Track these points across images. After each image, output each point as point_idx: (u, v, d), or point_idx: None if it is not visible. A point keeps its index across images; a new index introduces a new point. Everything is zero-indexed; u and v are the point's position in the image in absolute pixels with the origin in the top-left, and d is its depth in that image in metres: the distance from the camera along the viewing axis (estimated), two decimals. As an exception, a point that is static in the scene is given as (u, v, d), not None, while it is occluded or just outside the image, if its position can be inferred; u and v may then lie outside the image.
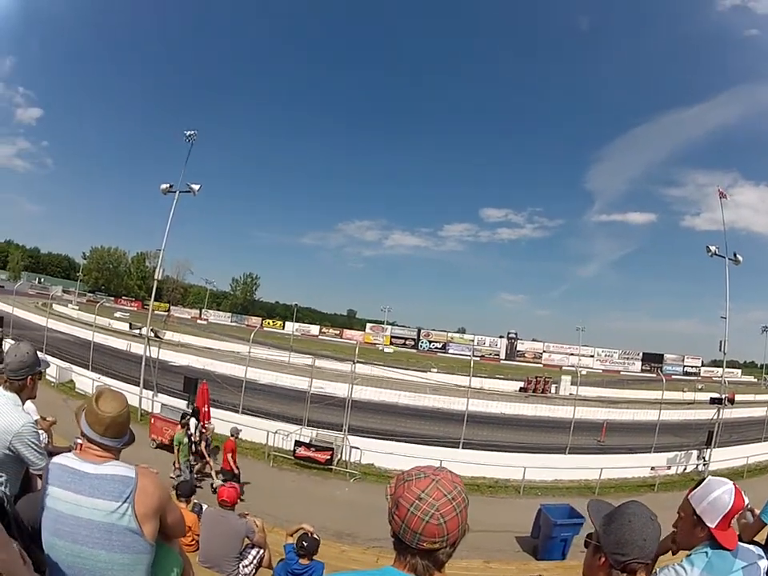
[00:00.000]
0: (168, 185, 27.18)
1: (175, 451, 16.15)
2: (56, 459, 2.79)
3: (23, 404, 3.90)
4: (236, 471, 16.26)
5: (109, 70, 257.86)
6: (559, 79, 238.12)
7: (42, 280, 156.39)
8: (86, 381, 27.58)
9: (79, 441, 4.02)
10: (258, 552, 7.43)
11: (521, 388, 54.86)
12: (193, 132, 28.18)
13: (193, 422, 17.42)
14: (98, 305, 39.25)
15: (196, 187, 26.89)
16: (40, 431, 3.96)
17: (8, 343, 23.41)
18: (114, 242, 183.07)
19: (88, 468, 2.65)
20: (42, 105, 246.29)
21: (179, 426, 17.07)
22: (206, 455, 17.40)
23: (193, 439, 16.73)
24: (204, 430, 18.01)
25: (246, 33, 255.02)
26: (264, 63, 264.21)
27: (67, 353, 33.13)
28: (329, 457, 19.62)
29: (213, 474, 17.00)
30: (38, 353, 4.13)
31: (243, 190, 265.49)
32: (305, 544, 7.11)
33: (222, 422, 20.97)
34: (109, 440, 2.76)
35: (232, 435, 16.95)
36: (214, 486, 15.78)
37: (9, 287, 69.96)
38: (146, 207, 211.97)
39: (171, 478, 15.88)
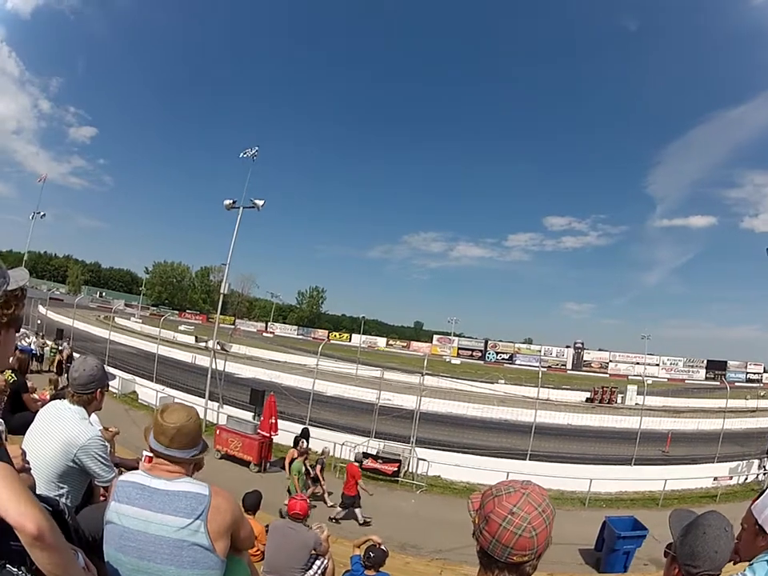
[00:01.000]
0: (231, 201, 28.16)
1: (293, 481, 15.74)
2: (124, 477, 2.86)
3: (89, 417, 4.03)
4: (360, 495, 16.23)
5: (166, 87, 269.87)
6: (614, 84, 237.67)
7: (104, 294, 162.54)
8: (150, 392, 28.50)
9: (147, 453, 4.14)
10: (322, 562, 7.50)
11: (587, 398, 55.03)
12: (254, 149, 29.30)
13: (304, 444, 17.43)
14: (163, 318, 40.60)
15: (260, 203, 27.62)
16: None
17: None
18: (176, 257, 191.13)
19: (159, 484, 2.70)
20: (95, 124, 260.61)
21: (294, 452, 16.68)
22: (322, 478, 17.39)
23: (308, 464, 16.73)
24: (322, 454, 18.19)
25: (306, 51, 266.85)
26: (326, 80, 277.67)
27: (130, 364, 34.38)
28: (396, 468, 19.89)
29: (325, 497, 17.07)
30: (104, 366, 4.35)
31: (308, 205, 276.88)
32: (372, 555, 7.26)
33: (289, 433, 21.17)
34: (175, 451, 2.80)
35: (356, 460, 17.20)
36: (337, 517, 15.93)
37: (69, 300, 72.57)
38: (208, 223, 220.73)
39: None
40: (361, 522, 15.78)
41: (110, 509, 2.72)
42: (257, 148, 28.99)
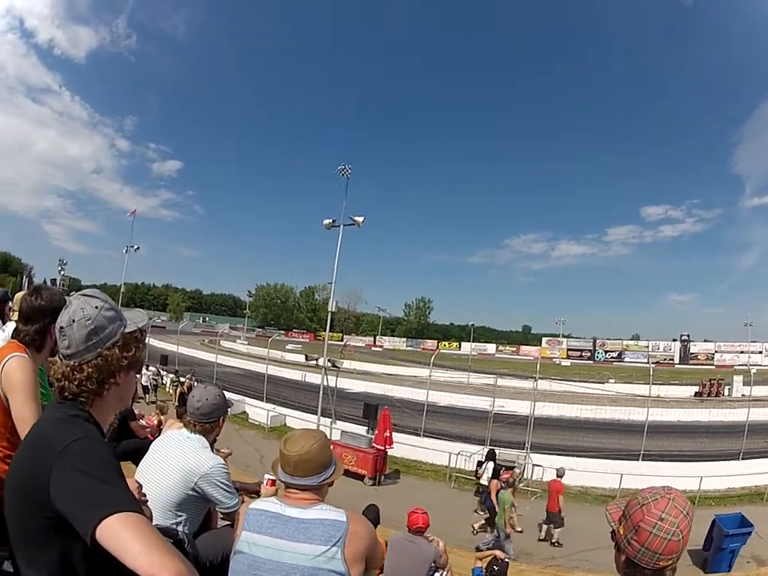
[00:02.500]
0: (331, 220, 29.16)
1: (505, 515, 14.86)
2: (255, 505, 2.93)
3: (212, 446, 4.18)
4: (563, 514, 16.19)
5: (243, 113, 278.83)
6: (690, 64, 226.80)
7: (206, 319, 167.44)
8: (260, 411, 29.83)
9: (269, 476, 4.24)
10: (441, 574, 7.36)
11: (695, 393, 54.14)
12: (346, 166, 30.02)
13: (491, 465, 17.75)
14: (271, 339, 41.68)
15: (360, 219, 28.43)
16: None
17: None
18: (278, 278, 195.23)
19: (293, 512, 2.77)
20: (178, 157, 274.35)
21: (498, 483, 16.15)
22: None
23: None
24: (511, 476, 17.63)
25: (385, 64, 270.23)
26: (409, 94, 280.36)
27: (239, 385, 35.65)
28: (508, 476, 19.47)
29: (514, 516, 16.14)
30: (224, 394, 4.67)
31: (408, 217, 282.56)
32: (495, 569, 7.24)
33: (404, 446, 21.52)
34: (302, 479, 2.85)
35: (559, 476, 17.05)
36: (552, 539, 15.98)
37: (171, 327, 75.25)
38: (308, 243, 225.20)
39: (475, 531, 16.29)
40: (554, 541, 15.96)
41: (241, 538, 2.79)
42: (348, 165, 29.56)
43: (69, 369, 1.95)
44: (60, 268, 78.30)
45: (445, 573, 7.44)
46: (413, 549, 7.28)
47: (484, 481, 17.69)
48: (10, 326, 6.25)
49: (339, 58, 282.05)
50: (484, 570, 7.62)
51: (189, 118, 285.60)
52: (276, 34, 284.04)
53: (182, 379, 31.47)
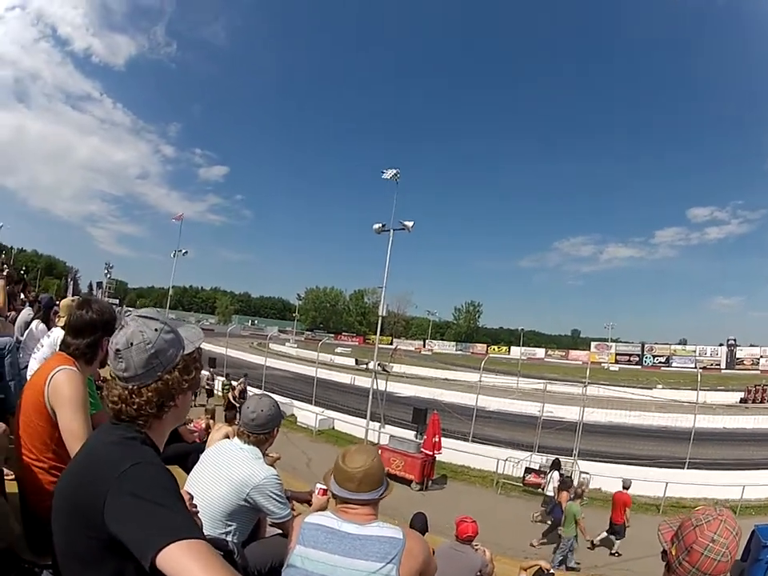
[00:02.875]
0: (381, 224, 29.52)
1: (568, 521, 14.86)
2: (310, 519, 2.94)
3: (264, 455, 4.18)
4: (627, 525, 16.00)
5: (287, 116, 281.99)
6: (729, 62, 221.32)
7: (255, 322, 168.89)
8: (309, 414, 30.09)
9: (321, 486, 4.47)
10: None
11: (741, 399, 53.37)
12: (395, 170, 29.73)
13: (556, 475, 17.71)
14: (321, 342, 41.80)
15: (410, 224, 28.69)
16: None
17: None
18: (327, 281, 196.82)
19: (350, 528, 2.77)
20: (225, 162, 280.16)
21: (566, 494, 15.95)
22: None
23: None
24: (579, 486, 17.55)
25: (431, 71, 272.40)
26: (456, 96, 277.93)
27: (287, 388, 36.03)
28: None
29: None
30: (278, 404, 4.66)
31: (458, 222, 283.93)
32: None
33: (451, 451, 21.53)
34: (363, 494, 2.87)
35: (625, 488, 16.89)
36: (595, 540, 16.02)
37: (219, 330, 75.92)
38: (358, 246, 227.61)
39: (532, 546, 16.01)
40: (613, 551, 15.83)
41: (294, 552, 2.81)
42: (398, 170, 29.50)
43: (127, 392, 1.93)
44: (106, 271, 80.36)
45: None
46: (460, 558, 7.25)
47: (550, 492, 17.60)
48: (56, 331, 6.39)
49: (386, 60, 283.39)
50: None
51: (233, 123, 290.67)
52: (318, 37, 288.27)
53: (233, 383, 31.39)
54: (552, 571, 7.56)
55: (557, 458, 19.15)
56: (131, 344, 1.91)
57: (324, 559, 2.68)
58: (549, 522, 16.66)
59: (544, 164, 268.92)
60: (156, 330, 1.97)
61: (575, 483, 16.48)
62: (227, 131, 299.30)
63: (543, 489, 18.57)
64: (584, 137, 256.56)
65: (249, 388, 29.46)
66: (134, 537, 1.58)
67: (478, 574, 7.19)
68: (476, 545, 7.77)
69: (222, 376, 33.20)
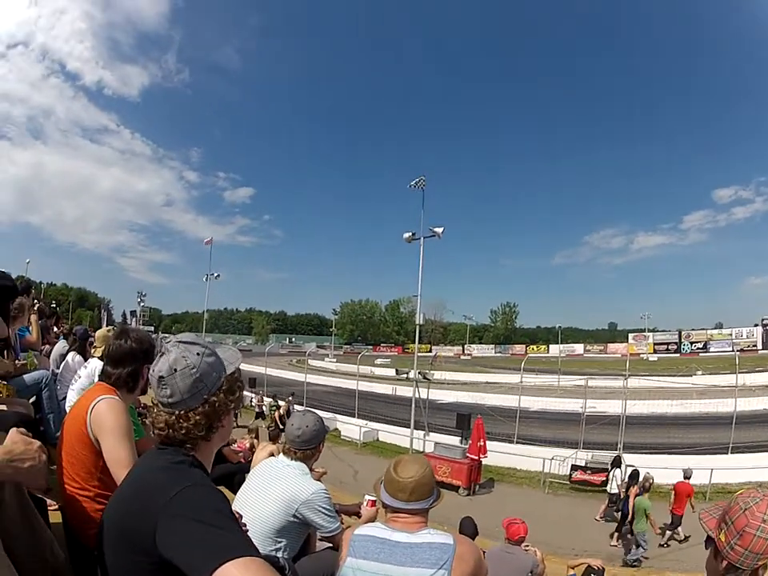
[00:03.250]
0: (411, 233, 29.59)
1: (650, 521, 14.59)
2: (360, 530, 2.96)
3: (310, 471, 4.20)
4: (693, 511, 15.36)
5: (305, 133, 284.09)
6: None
7: (293, 339, 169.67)
8: (353, 428, 30.29)
9: (369, 497, 4.48)
10: None
11: None
12: (420, 178, 30.01)
13: (618, 473, 17.61)
14: (360, 355, 41.94)
15: (439, 230, 28.69)
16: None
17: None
18: (362, 294, 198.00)
19: (400, 537, 2.78)
20: (250, 184, 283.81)
21: (635, 489, 15.64)
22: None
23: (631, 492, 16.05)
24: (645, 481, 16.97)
25: (451, 75, 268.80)
26: (488, 95, 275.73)
27: (329, 403, 35.87)
28: (604, 478, 19.76)
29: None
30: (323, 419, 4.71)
31: (488, 224, 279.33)
32: None
33: (497, 453, 21.55)
34: (415, 504, 2.88)
35: (686, 477, 16.74)
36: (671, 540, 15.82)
37: (257, 350, 76.51)
38: (389, 256, 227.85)
39: (614, 546, 15.95)
40: (681, 538, 15.83)
41: (346, 564, 2.82)
42: (422, 177, 29.57)
43: (174, 418, 1.95)
44: (139, 300, 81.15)
45: None
46: (511, 560, 7.26)
47: (614, 489, 17.48)
48: (93, 362, 6.52)
49: (405, 67, 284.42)
50: None
51: (255, 143, 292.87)
52: (333, 49, 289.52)
53: (280, 403, 31.46)
54: (602, 567, 7.55)
55: (618, 455, 18.99)
56: (175, 370, 1.94)
57: (376, 569, 2.70)
58: (616, 520, 16.58)
59: (566, 159, 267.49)
60: (198, 354, 2.00)
61: (641, 478, 16.25)
62: (250, 152, 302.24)
63: (605, 486, 18.38)
64: (601, 127, 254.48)
65: (296, 411, 29.53)
66: (188, 559, 1.59)
67: (530, 574, 7.20)
68: (526, 545, 7.78)
69: (262, 395, 33.33)
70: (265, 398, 33.19)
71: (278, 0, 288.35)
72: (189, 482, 1.78)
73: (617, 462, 18.13)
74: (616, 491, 17.27)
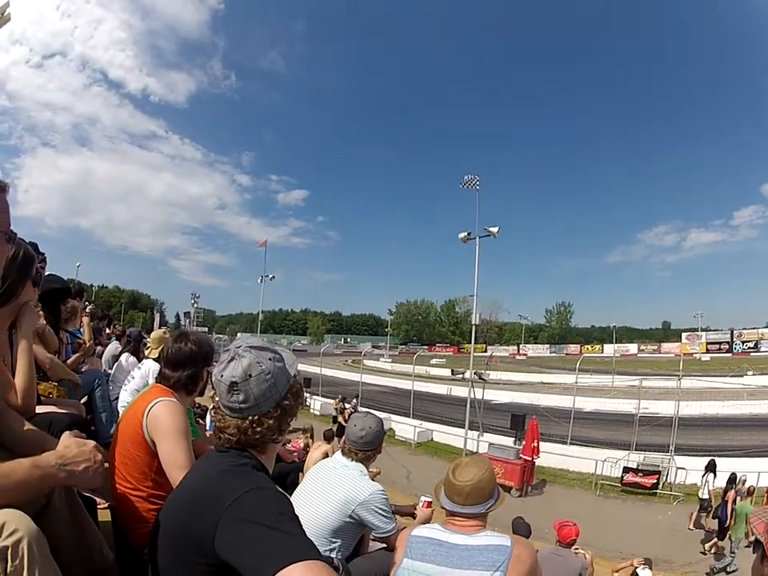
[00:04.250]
0: (466, 233, 29.68)
1: (738, 522, 14.14)
2: (417, 532, 3.00)
3: (369, 472, 4.20)
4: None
5: (356, 133, 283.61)
6: None
7: (348, 340, 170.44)
8: (407, 428, 30.32)
9: (426, 498, 4.60)
10: None
11: None
12: (471, 177, 29.73)
13: (711, 477, 17.39)
14: (416, 355, 41.68)
15: (494, 230, 28.78)
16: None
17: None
18: (418, 294, 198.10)
19: (458, 539, 2.81)
20: (303, 186, 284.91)
21: (733, 494, 15.24)
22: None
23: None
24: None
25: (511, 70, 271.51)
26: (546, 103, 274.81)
27: (384, 403, 35.88)
28: (655, 480, 19.87)
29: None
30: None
31: (541, 224, 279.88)
32: None
33: (551, 455, 21.64)
34: (471, 508, 2.91)
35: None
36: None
37: (311, 350, 76.84)
38: (444, 256, 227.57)
39: (703, 553, 15.46)
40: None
41: (402, 566, 2.86)
42: (476, 177, 29.58)
43: (247, 423, 1.96)
44: (193, 301, 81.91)
45: None
46: (561, 563, 7.25)
47: (705, 495, 17.07)
48: (147, 363, 6.76)
49: (455, 68, 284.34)
50: None
51: (306, 146, 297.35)
52: (382, 50, 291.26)
53: (346, 406, 31.35)
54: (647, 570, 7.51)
55: (712, 460, 18.43)
56: (250, 376, 1.93)
57: (431, 571, 2.72)
58: (708, 528, 16.24)
59: (618, 157, 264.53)
60: (270, 359, 2.00)
61: (738, 482, 15.90)
62: (302, 155, 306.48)
63: (699, 492, 17.57)
64: (651, 124, 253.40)
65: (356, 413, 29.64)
66: (249, 563, 1.60)
67: None
68: (576, 548, 7.78)
69: (342, 396, 32.80)
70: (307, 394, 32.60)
71: (319, 5, 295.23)
72: (252, 485, 1.78)
73: (711, 467, 17.69)
74: (707, 497, 16.86)
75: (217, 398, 2.03)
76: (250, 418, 1.95)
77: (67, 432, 2.29)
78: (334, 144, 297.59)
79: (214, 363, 2.30)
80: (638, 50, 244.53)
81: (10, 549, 1.77)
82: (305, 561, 1.50)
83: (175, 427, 3.11)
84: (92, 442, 2.23)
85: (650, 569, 8.02)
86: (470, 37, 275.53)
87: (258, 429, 1.96)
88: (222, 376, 1.97)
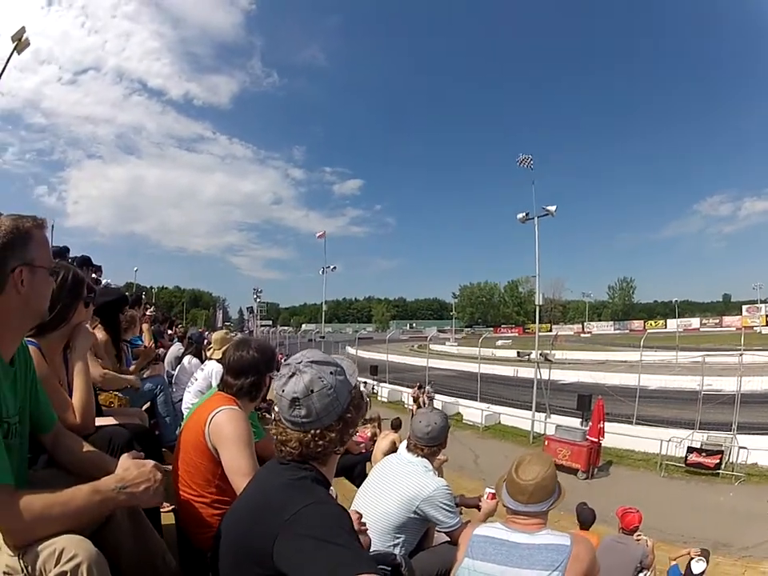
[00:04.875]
0: (524, 213, 29.94)
1: None
2: (480, 531, 3.03)
3: (433, 468, 4.35)
4: None
5: (414, 118, 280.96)
6: None
7: (413, 325, 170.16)
8: (474, 411, 30.36)
9: (490, 490, 4.62)
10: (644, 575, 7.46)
11: None
12: (527, 157, 30.01)
13: None
14: (482, 337, 41.42)
15: (552, 208, 29.06)
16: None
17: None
18: (480, 276, 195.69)
19: (519, 538, 2.84)
20: (358, 176, 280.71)
21: None
22: None
23: None
24: None
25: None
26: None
27: (451, 387, 35.79)
28: (717, 461, 19.40)
29: None
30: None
31: (600, 199, 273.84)
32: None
33: (616, 435, 22.19)
34: (533, 506, 2.93)
35: None
36: None
37: (377, 337, 76.80)
38: (504, 236, 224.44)
39: None
40: None
41: (462, 565, 2.89)
42: (529, 156, 29.53)
43: (309, 437, 2.00)
44: (255, 296, 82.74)
45: (649, 573, 7.52)
46: (622, 550, 7.40)
47: None
48: (209, 364, 7.14)
49: (506, 49, 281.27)
50: (682, 570, 7.59)
51: (357, 136, 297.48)
52: (426, 31, 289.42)
53: (422, 392, 31.34)
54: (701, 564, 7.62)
55: None
56: (312, 391, 1.98)
57: (491, 571, 2.77)
58: None
59: (670, 126, 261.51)
60: (332, 373, 2.04)
61: None
62: (353, 145, 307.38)
63: None
64: (704, 91, 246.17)
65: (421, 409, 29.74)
66: (306, 575, 1.69)
67: (638, 565, 7.33)
68: (639, 535, 7.91)
69: (420, 384, 32.76)
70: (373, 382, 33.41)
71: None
72: (311, 499, 1.85)
73: None
74: None
75: (277, 411, 2.10)
76: (312, 431, 2.00)
77: (125, 455, 2.37)
78: (384, 132, 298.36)
79: (278, 366, 2.44)
80: (688, 15, 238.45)
81: (68, 573, 1.86)
82: (359, 575, 1.57)
83: (237, 435, 3.15)
84: (151, 462, 2.31)
85: (707, 561, 8.06)
86: (512, 14, 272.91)
87: (321, 442, 2.01)
88: (283, 391, 2.02)
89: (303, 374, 2.01)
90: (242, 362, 3.52)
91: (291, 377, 2.03)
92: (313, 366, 2.04)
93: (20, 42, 20.97)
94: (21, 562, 1.91)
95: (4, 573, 1.93)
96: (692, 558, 7.99)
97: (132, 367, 5.96)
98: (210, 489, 3.19)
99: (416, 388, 31.80)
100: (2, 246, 2.01)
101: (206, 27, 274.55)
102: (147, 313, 10.64)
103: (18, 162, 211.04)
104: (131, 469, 2.23)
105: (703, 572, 7.96)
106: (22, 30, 20.86)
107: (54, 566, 1.87)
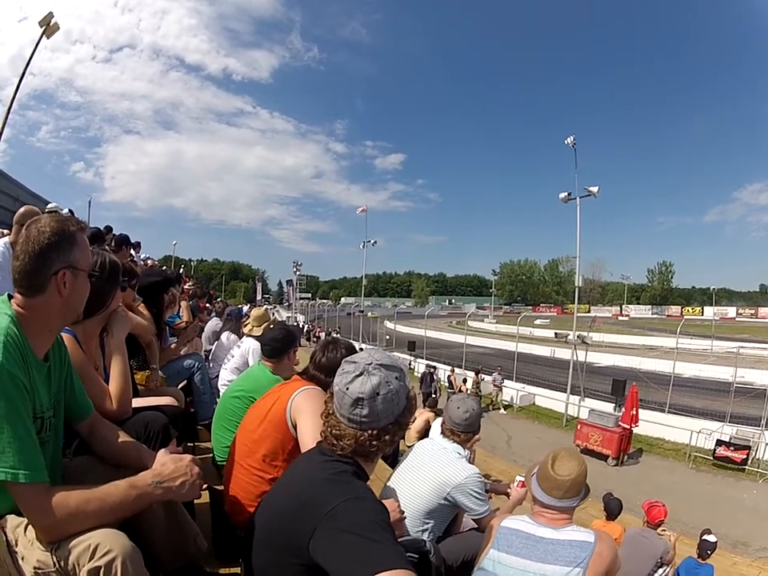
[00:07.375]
0: (567, 193, 29.70)
1: None
2: (507, 523, 3.02)
3: (468, 448, 4.42)
4: None
5: (457, 94, 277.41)
6: None
7: (452, 301, 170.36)
8: (510, 391, 30.18)
9: (520, 478, 4.55)
10: (664, 571, 7.39)
11: None
12: (572, 138, 29.68)
13: None
14: (520, 316, 41.07)
15: (594, 189, 28.63)
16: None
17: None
18: (521, 254, 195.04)
19: (545, 533, 2.86)
20: (400, 150, 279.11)
21: None
22: None
23: None
24: None
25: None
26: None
27: (489, 366, 35.40)
28: (745, 456, 18.98)
29: None
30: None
31: (641, 181, 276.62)
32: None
33: (648, 423, 22.04)
34: (566, 501, 2.94)
35: None
36: None
37: (416, 312, 76.51)
38: (545, 215, 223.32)
39: None
40: None
41: (488, 556, 2.91)
42: (573, 136, 29.11)
43: (366, 436, 2.03)
44: (295, 269, 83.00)
45: (668, 569, 7.46)
46: (644, 545, 7.36)
47: None
48: (246, 341, 7.23)
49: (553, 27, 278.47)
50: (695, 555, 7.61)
51: (399, 111, 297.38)
52: (471, 10, 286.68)
53: (468, 373, 31.23)
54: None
55: None
56: (377, 393, 2.01)
57: (515, 564, 2.79)
58: None
59: (711, 111, 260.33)
60: (397, 378, 2.08)
61: None
62: (395, 119, 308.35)
63: None
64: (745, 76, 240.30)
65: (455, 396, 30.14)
66: (339, 569, 1.70)
67: (658, 561, 7.29)
68: (663, 530, 7.89)
69: (453, 367, 32.41)
70: (456, 370, 31.82)
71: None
72: (351, 494, 1.86)
73: None
74: None
75: (334, 405, 2.13)
76: (369, 431, 2.04)
77: (163, 450, 2.41)
78: (426, 107, 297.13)
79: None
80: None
81: (102, 568, 1.89)
82: (392, 570, 1.58)
83: (317, 409, 2.89)
84: (188, 456, 2.35)
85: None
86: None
87: (375, 442, 2.05)
88: (347, 389, 2.04)
89: (372, 375, 2.04)
90: (335, 362, 3.47)
91: (358, 376, 2.05)
92: (382, 369, 2.06)
93: (48, 27, 21.11)
94: (54, 557, 1.95)
95: (35, 569, 1.95)
96: (703, 534, 7.98)
97: (173, 345, 6.08)
98: (277, 462, 3.32)
99: (451, 369, 31.46)
100: (47, 247, 2.07)
101: (244, 3, 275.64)
102: (186, 287, 10.64)
103: (53, 140, 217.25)
104: (168, 464, 2.28)
105: (716, 542, 7.93)
106: (50, 15, 20.98)
107: (88, 561, 1.91)
